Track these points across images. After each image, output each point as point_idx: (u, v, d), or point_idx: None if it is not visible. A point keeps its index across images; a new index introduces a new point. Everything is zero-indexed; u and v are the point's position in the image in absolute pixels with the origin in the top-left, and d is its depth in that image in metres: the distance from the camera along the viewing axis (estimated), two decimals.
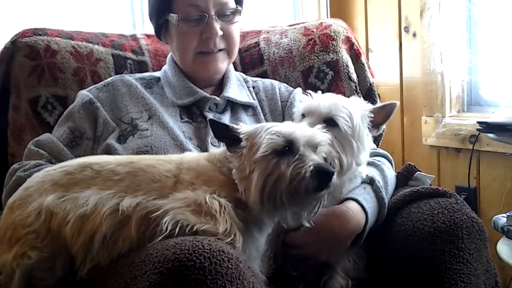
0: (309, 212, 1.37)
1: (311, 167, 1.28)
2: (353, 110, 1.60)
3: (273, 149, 1.30)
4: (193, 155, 1.51)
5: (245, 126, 1.40)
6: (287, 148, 1.31)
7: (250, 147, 1.34)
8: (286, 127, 1.34)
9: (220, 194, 1.32)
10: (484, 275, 1.48)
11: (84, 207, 1.31)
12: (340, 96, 1.66)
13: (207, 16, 1.80)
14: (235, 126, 1.39)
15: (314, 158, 1.31)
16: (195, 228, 1.25)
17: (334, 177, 1.31)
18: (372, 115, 1.64)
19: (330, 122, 1.56)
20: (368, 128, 1.64)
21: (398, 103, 1.67)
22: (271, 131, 1.32)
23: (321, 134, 1.38)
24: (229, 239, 1.26)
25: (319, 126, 1.44)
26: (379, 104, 1.73)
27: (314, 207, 1.36)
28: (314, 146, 1.35)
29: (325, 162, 1.36)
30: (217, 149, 1.52)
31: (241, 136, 1.36)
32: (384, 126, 1.97)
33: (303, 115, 1.63)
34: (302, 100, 1.78)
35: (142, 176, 1.38)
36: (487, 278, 1.49)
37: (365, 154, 1.63)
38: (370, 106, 1.66)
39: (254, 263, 1.37)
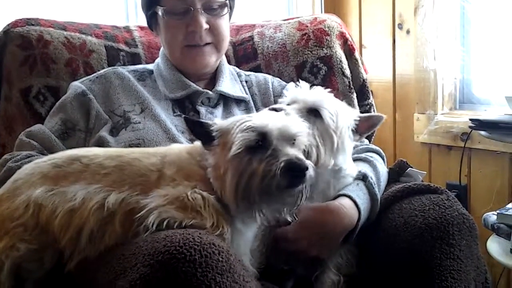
0: (290, 207, 1.33)
1: (282, 163, 1.23)
2: (339, 108, 1.58)
3: (245, 146, 1.26)
4: (177, 147, 1.50)
5: (220, 122, 1.37)
6: (260, 142, 1.27)
7: (223, 145, 1.31)
8: (258, 120, 1.29)
9: (201, 189, 1.31)
10: (474, 272, 1.48)
11: (72, 201, 1.31)
12: (330, 94, 1.63)
13: (192, 9, 1.79)
14: (209, 122, 1.36)
15: (287, 153, 1.25)
16: (183, 224, 1.25)
17: (310, 170, 1.26)
18: (357, 123, 1.61)
19: (314, 113, 1.54)
20: (352, 130, 1.61)
21: (385, 116, 1.64)
22: (243, 127, 1.28)
23: (297, 125, 1.34)
24: (218, 231, 1.26)
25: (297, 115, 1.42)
26: (366, 114, 1.70)
27: (294, 202, 1.32)
28: (289, 139, 1.30)
29: (302, 154, 1.31)
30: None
31: (213, 133, 1.34)
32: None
33: (289, 104, 1.59)
34: (289, 88, 1.77)
35: (128, 170, 1.37)
36: (477, 274, 1.49)
37: (344, 157, 1.59)
38: (356, 113, 1.65)
39: (243, 256, 1.36)
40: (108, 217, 1.30)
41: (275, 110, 1.50)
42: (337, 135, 1.54)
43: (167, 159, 1.40)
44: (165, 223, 1.24)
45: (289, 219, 1.37)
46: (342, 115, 1.57)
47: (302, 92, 1.60)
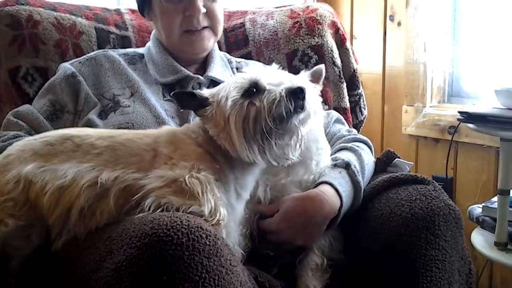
0: (294, 144, 1.38)
1: (283, 90, 1.30)
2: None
3: (242, 91, 1.33)
4: (170, 129, 1.52)
5: (207, 90, 1.44)
6: (254, 89, 1.33)
7: (219, 101, 1.37)
8: (248, 73, 1.38)
9: (199, 168, 1.32)
10: (459, 262, 1.49)
11: (63, 178, 1.31)
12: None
13: None
14: (199, 91, 1.43)
15: (280, 87, 1.33)
16: (180, 211, 1.25)
17: (307, 95, 1.33)
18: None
19: None
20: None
21: (322, 66, 1.68)
22: (235, 79, 1.37)
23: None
24: (215, 219, 1.27)
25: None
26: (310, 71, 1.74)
27: (296, 138, 1.37)
28: (279, 84, 1.35)
29: None
30: (191, 122, 1.53)
31: (207, 96, 1.40)
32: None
33: None
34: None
35: (121, 150, 1.37)
36: (461, 265, 1.51)
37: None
38: (303, 74, 1.69)
39: (233, 235, 1.38)
40: (101, 194, 1.30)
41: None
42: None
43: (162, 139, 1.41)
44: (163, 208, 1.25)
45: (293, 158, 1.39)
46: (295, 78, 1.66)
47: None
